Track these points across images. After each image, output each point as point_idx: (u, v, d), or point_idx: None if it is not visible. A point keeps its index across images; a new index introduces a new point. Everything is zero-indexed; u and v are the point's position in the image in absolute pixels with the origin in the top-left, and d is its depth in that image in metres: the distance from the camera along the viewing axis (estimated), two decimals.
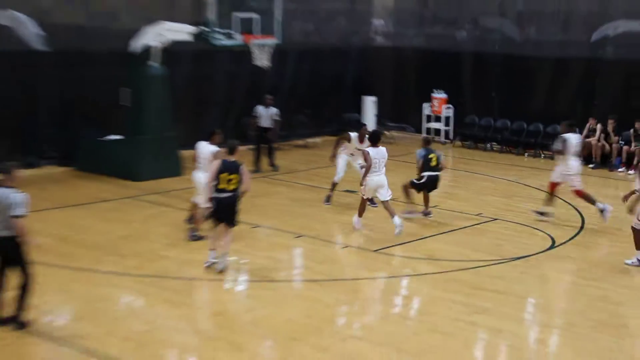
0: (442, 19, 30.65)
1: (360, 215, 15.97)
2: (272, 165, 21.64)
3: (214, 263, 13.21)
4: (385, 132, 26.69)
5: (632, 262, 13.95)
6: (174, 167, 20.17)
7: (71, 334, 10.85)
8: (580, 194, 16.75)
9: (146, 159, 19.62)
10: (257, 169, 21.15)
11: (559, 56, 25.45)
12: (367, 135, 16.76)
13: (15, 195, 10.53)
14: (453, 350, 10.67)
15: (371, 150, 15.64)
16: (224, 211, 13.09)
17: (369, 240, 15.48)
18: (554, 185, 17.02)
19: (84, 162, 20.41)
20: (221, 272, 13.04)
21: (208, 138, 14.65)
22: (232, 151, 13.23)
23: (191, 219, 14.99)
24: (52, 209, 17.01)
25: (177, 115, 21.02)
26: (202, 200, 13.92)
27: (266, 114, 21.55)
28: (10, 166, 10.89)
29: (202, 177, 14.19)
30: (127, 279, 13.09)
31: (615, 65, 24.52)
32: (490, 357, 10.85)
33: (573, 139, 16.89)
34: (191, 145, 21.22)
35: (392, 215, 15.49)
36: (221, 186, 12.98)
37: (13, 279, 10.73)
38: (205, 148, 14.51)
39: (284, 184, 20.18)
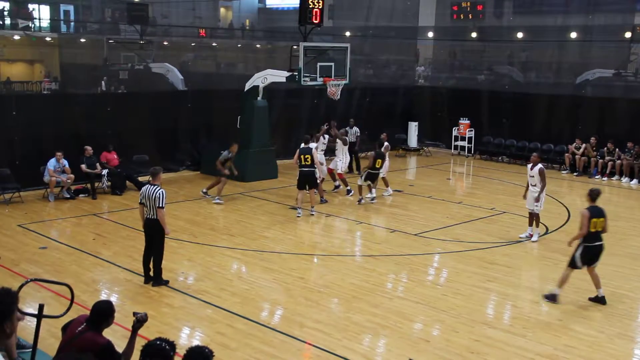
0: (467, 66, 30.41)
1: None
2: (358, 169, 21.38)
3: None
4: (424, 148, 26.48)
5: (525, 236, 14.37)
6: (273, 172, 20.32)
7: (196, 289, 10.93)
8: None
9: (252, 165, 19.66)
10: (349, 171, 20.91)
11: (552, 93, 24.90)
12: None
13: (159, 191, 10.71)
14: (471, 308, 10.50)
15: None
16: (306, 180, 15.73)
17: (410, 226, 15.16)
18: None
19: (208, 168, 20.48)
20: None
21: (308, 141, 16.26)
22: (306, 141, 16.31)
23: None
24: (185, 201, 17.13)
25: (274, 134, 21.02)
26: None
27: (351, 132, 21.37)
28: (157, 170, 11.11)
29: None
30: (235, 252, 13.06)
31: (593, 101, 23.95)
32: (499, 313, 10.58)
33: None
34: (285, 156, 21.46)
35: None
36: (303, 163, 15.77)
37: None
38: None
39: (350, 185, 19.92)
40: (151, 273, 11.00)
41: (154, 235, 10.86)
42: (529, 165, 14.31)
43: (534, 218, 14.22)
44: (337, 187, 18.73)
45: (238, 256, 12.85)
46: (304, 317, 9.91)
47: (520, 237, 14.36)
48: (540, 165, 14.11)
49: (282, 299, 10.68)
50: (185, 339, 9.17)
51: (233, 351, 8.70)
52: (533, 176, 14.07)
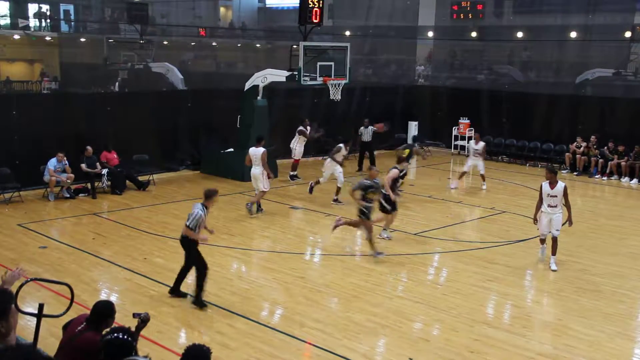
0: (466, 66, 30.41)
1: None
2: (372, 165, 21.55)
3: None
4: (424, 147, 26.45)
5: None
6: (272, 171, 20.10)
7: (195, 289, 10.84)
8: None
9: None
10: (360, 169, 21.57)
11: (552, 93, 24.90)
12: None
13: (195, 212, 10.06)
14: (471, 307, 10.49)
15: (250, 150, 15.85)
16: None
17: (410, 226, 15.16)
18: None
19: (208, 168, 20.58)
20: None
21: (255, 144, 15.73)
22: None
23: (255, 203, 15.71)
24: (185, 200, 17.09)
25: (274, 134, 21.01)
26: (263, 186, 15.57)
27: (366, 132, 21.86)
28: (209, 192, 10.31)
29: (257, 170, 15.57)
30: (235, 251, 13.07)
31: (592, 100, 24.07)
32: (499, 313, 10.59)
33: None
34: (284, 156, 21.45)
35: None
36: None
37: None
38: (256, 151, 15.53)
39: (349, 184, 19.91)
40: (190, 292, 10.39)
41: (187, 252, 10.37)
42: (546, 184, 12.25)
43: (554, 244, 12.35)
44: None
45: (238, 255, 12.85)
46: (304, 316, 9.91)
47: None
48: (563, 183, 12.25)
49: (282, 299, 10.68)
50: (185, 338, 9.16)
51: (233, 351, 8.70)
52: (555, 196, 12.18)
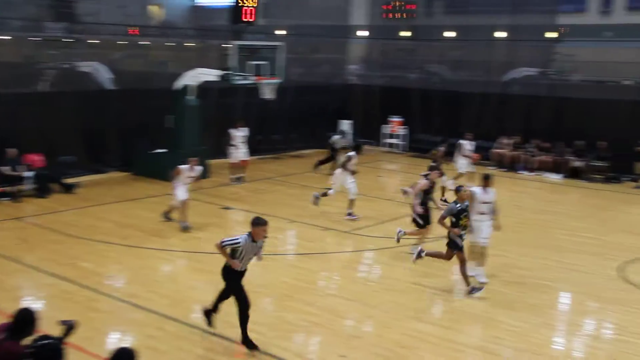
0: (398, 65, 30.73)
1: None
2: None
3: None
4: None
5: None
6: (203, 172, 19.93)
7: (125, 293, 10.77)
8: None
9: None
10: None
11: (481, 91, 25.43)
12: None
13: (238, 236, 8.81)
14: (403, 303, 10.67)
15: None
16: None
17: (343, 224, 15.27)
18: None
19: (139, 169, 20.23)
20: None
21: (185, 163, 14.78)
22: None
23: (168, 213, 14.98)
24: (114, 202, 16.80)
25: (206, 134, 20.81)
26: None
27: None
28: (261, 221, 8.92)
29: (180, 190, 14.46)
30: (166, 253, 12.92)
31: (520, 98, 24.65)
32: (429, 308, 10.82)
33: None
34: (216, 156, 21.29)
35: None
36: None
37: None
38: (184, 168, 14.62)
39: (283, 184, 19.94)
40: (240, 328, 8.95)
41: (225, 284, 9.06)
42: (479, 189, 11.41)
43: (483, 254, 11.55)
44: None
45: (169, 258, 12.69)
46: (236, 317, 9.82)
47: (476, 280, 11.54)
48: (493, 189, 11.56)
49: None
50: (114, 344, 8.99)
51: (163, 354, 8.60)
52: (489, 202, 11.39)
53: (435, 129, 25.74)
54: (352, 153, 16.19)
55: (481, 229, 11.32)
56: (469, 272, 11.34)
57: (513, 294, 11.11)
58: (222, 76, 18.69)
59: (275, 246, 13.79)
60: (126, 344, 8.81)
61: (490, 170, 22.36)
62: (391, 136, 26.89)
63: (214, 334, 9.23)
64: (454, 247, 10.91)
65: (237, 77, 18.56)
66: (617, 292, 11.39)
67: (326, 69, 30.33)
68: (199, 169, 14.87)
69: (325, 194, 16.14)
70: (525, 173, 22.46)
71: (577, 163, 21.73)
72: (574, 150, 21.96)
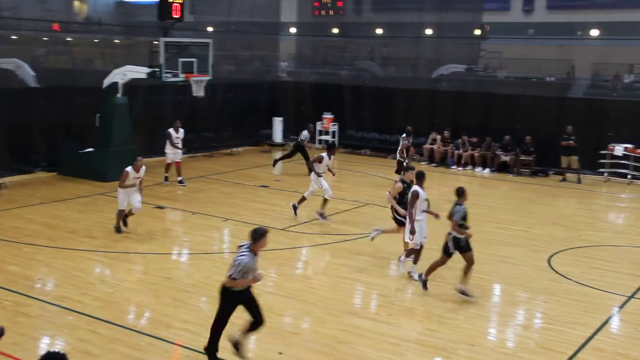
0: (329, 61, 30.91)
1: None
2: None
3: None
4: (289, 143, 26.70)
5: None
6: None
7: (55, 296, 10.49)
8: None
9: (112, 165, 18.88)
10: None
11: (410, 88, 25.79)
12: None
13: (240, 257, 8.03)
14: (338, 299, 10.73)
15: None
16: None
17: (278, 221, 15.24)
18: None
19: (66, 169, 19.67)
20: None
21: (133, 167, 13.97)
22: None
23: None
24: (41, 203, 16.30)
25: (135, 132, 20.44)
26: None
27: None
28: (262, 231, 8.18)
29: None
30: (97, 254, 12.60)
31: (448, 94, 25.17)
32: (365, 303, 10.96)
33: None
34: (148, 154, 20.87)
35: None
36: None
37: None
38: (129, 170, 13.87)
39: (216, 182, 19.75)
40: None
41: (220, 302, 8.34)
42: (419, 189, 11.55)
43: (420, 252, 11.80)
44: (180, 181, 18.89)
45: (100, 259, 12.38)
46: (171, 317, 9.72)
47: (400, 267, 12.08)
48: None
49: (148, 301, 10.41)
50: (45, 349, 8.71)
51: (96, 358, 8.38)
52: (427, 199, 11.69)
53: (366, 124, 26.00)
54: (323, 154, 15.68)
55: (423, 228, 11.67)
56: (403, 269, 11.85)
57: (446, 287, 11.31)
58: (151, 73, 18.37)
59: (210, 245, 13.70)
60: (57, 348, 8.57)
61: (423, 165, 22.90)
62: (323, 133, 26.98)
63: (148, 335, 9.05)
64: (462, 247, 10.76)
65: (166, 75, 18.28)
66: (546, 283, 11.75)
67: (257, 66, 30.22)
68: (144, 170, 14.19)
69: (303, 199, 15.67)
70: (456, 168, 22.95)
71: (505, 157, 22.33)
72: (501, 145, 22.56)
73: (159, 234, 14.14)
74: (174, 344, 8.93)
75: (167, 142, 18.77)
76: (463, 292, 10.78)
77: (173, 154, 18.74)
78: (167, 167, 19.03)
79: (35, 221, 14.59)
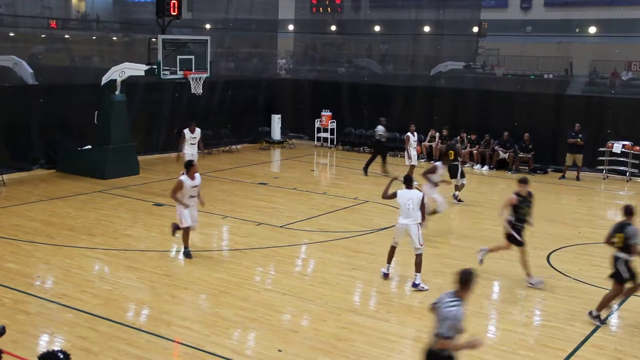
0: (327, 59, 30.92)
1: None
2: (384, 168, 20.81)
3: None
4: (288, 140, 26.70)
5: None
6: (133, 168, 19.69)
7: (54, 293, 10.48)
8: None
9: (111, 162, 18.99)
10: (385, 172, 20.48)
11: (408, 85, 25.79)
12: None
13: (449, 312, 6.44)
14: (338, 296, 10.73)
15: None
16: None
17: (276, 219, 15.24)
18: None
19: (64, 166, 19.65)
20: None
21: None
22: None
23: None
24: (40, 201, 16.27)
25: (134, 130, 20.43)
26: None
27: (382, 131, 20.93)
28: (472, 272, 6.67)
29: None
30: (96, 252, 12.59)
31: (446, 92, 25.16)
32: (364, 300, 10.93)
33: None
34: (146, 152, 20.87)
35: None
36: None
37: None
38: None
39: (215, 179, 19.72)
40: None
41: None
42: (406, 190, 11.33)
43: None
44: None
45: (99, 256, 12.37)
46: (170, 315, 9.72)
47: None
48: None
49: (147, 298, 10.42)
50: (44, 346, 8.70)
51: (96, 355, 8.38)
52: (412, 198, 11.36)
53: (365, 122, 25.99)
54: (437, 163, 14.81)
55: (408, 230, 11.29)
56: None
57: (445, 284, 11.29)
58: (149, 71, 18.33)
59: (209, 242, 13.69)
60: (57, 346, 8.57)
61: (421, 163, 22.89)
62: (322, 130, 26.97)
63: (148, 332, 9.05)
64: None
65: (164, 72, 18.25)
66: (545, 280, 11.75)
67: (255, 64, 30.19)
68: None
69: (434, 212, 14.46)
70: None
71: (504, 155, 22.33)
72: (499, 142, 22.57)
73: (157, 231, 14.12)
74: (174, 341, 8.93)
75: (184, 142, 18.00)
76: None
77: (190, 154, 17.88)
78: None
79: (34, 219, 14.58)
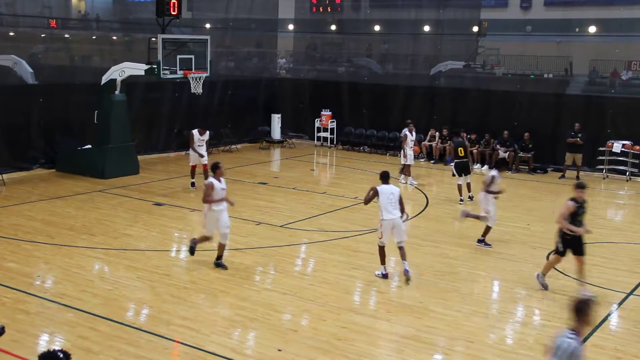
0: (326, 58, 30.89)
1: None
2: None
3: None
4: (288, 140, 26.69)
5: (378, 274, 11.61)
6: (133, 168, 19.68)
7: (54, 293, 10.47)
8: None
9: (111, 162, 18.99)
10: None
11: (408, 84, 25.78)
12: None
13: (566, 342, 5.71)
14: (337, 296, 10.72)
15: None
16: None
17: (276, 218, 15.24)
18: None
19: (64, 165, 19.65)
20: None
21: None
22: None
23: None
24: (40, 200, 16.27)
25: (134, 129, 20.42)
26: None
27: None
28: (589, 301, 6.00)
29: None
30: (96, 251, 12.59)
31: (446, 91, 25.16)
32: (364, 300, 10.92)
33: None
34: (145, 151, 20.85)
35: None
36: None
37: None
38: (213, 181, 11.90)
39: None
40: None
41: None
42: (387, 186, 11.43)
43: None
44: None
45: (99, 256, 12.37)
46: (170, 314, 9.72)
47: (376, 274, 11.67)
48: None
49: (147, 298, 10.41)
50: (44, 346, 8.71)
51: (96, 355, 8.38)
52: (393, 193, 11.46)
53: (364, 121, 25.99)
54: (494, 172, 13.64)
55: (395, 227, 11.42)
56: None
57: (445, 284, 11.33)
58: (149, 70, 18.34)
59: (209, 242, 13.64)
60: (57, 345, 8.58)
61: (421, 162, 22.89)
62: (322, 130, 26.95)
63: (148, 332, 9.05)
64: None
65: (164, 71, 18.25)
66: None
67: (255, 63, 30.20)
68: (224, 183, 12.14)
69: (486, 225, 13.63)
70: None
71: (504, 154, 22.32)
72: (500, 141, 22.56)
73: (157, 230, 14.13)
74: (174, 340, 8.93)
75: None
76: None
77: (197, 156, 17.79)
78: (192, 170, 17.95)
79: (34, 218, 14.58)
